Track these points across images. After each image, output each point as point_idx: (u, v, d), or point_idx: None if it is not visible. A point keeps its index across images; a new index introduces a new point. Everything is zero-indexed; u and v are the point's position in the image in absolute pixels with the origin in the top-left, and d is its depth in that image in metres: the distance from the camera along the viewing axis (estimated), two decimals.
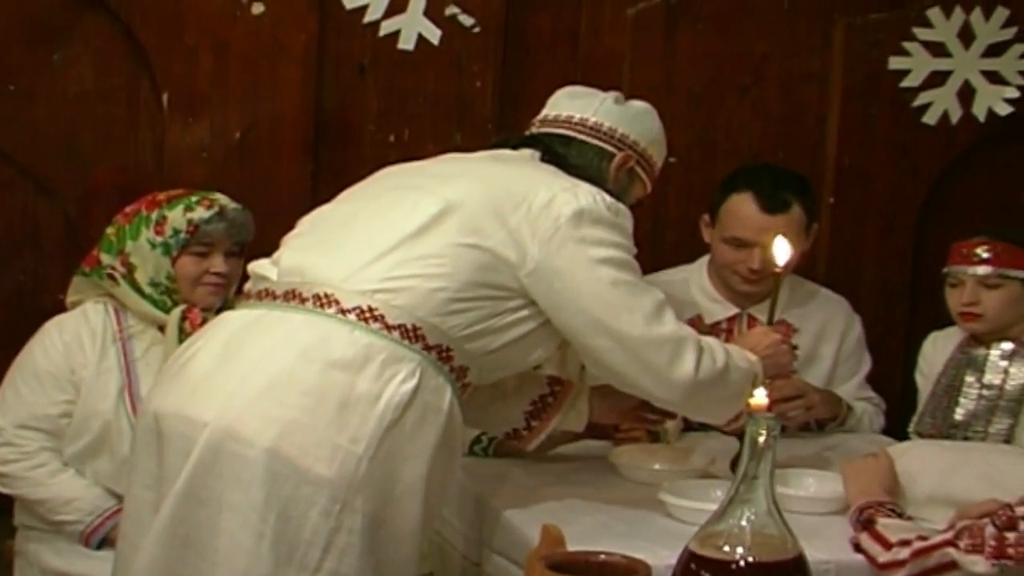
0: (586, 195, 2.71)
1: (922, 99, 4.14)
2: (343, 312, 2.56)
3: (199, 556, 2.46)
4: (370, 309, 2.55)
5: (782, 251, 3.01)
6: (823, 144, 4.17)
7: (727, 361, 2.77)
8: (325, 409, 2.47)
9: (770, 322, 3.08)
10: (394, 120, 3.90)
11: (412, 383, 2.53)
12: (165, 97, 3.78)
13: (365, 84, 3.90)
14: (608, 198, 2.75)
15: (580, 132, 2.95)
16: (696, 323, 3.54)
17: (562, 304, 2.68)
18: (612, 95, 3.01)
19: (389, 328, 2.55)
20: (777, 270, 3.02)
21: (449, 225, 2.64)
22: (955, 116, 4.14)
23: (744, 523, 1.88)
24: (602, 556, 2.04)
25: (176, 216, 3.23)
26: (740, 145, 4.02)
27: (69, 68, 3.78)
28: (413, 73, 3.89)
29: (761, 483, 1.89)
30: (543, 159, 2.90)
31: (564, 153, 2.91)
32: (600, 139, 2.95)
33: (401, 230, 2.65)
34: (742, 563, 1.86)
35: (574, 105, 2.99)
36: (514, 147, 2.94)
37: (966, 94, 4.13)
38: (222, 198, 3.31)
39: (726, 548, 1.87)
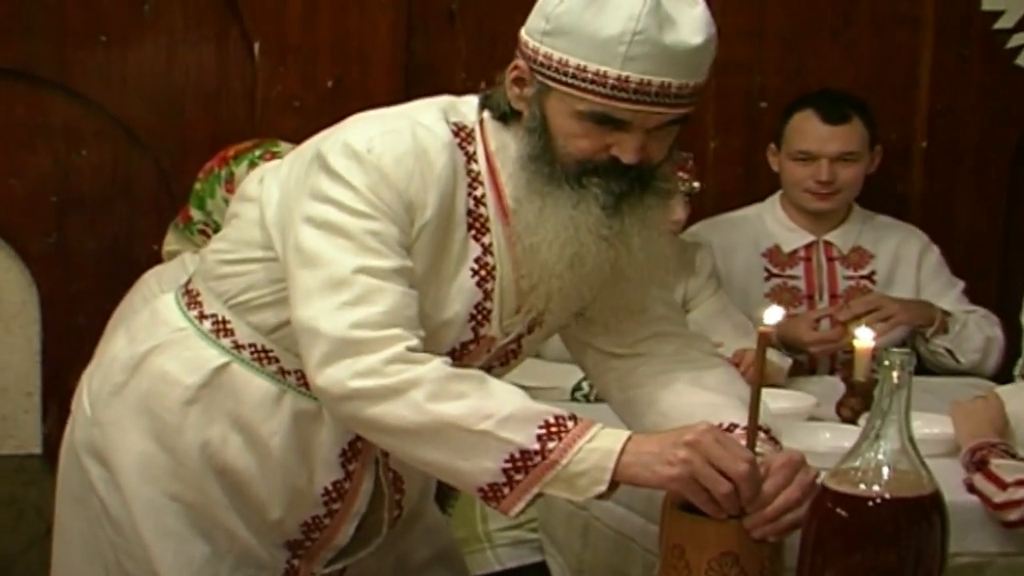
0: (345, 134, 2.11)
1: (1015, 41, 4.09)
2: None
3: None
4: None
5: (773, 314, 2.15)
6: (915, 87, 4.14)
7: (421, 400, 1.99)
8: None
9: (751, 444, 2.03)
10: (485, 65, 3.81)
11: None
12: (256, 46, 3.78)
13: (454, 30, 3.90)
14: (365, 137, 2.08)
15: None
16: (774, 253, 3.77)
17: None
18: None
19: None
20: (762, 329, 2.06)
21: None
22: None
23: (879, 459, 1.85)
24: None
25: (242, 173, 3.16)
26: (831, 88, 3.96)
27: (159, 18, 3.78)
28: (502, 17, 3.84)
29: (895, 419, 1.85)
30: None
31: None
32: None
33: None
34: (879, 500, 1.83)
35: None
36: None
37: None
38: (285, 148, 3.22)
39: (861, 485, 1.85)
